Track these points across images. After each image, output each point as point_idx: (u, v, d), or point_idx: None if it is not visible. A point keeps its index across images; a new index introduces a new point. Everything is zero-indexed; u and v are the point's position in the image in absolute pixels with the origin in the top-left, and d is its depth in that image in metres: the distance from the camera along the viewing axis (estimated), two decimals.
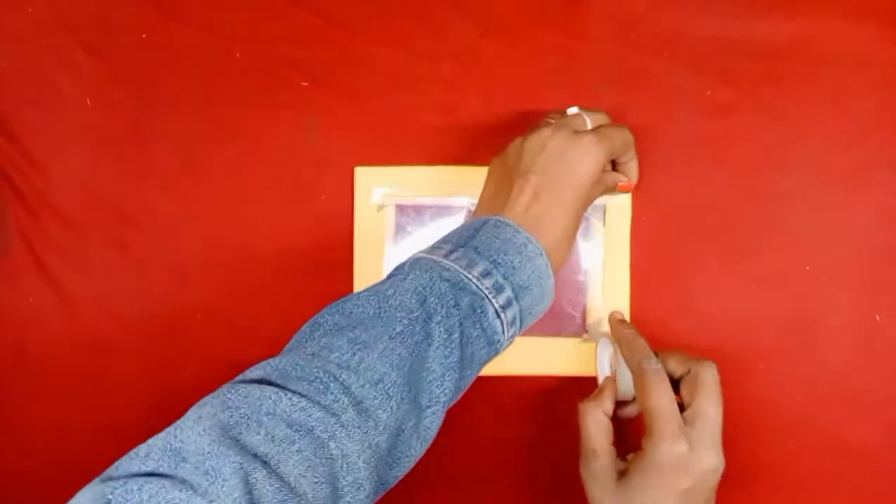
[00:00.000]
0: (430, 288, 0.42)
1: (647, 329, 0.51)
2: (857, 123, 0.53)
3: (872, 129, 0.53)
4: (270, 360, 0.39)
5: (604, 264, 0.54)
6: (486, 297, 0.42)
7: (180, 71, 0.56)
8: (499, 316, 0.43)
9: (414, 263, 0.44)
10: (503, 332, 0.44)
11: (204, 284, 0.56)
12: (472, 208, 0.54)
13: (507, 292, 0.43)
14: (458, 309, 0.42)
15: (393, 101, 0.55)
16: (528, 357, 0.55)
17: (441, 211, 0.55)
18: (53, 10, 0.56)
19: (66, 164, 0.56)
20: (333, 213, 0.56)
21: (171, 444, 0.33)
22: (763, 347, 0.53)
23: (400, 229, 0.55)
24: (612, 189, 0.50)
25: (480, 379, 0.55)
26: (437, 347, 0.41)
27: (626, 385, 0.48)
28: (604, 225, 0.54)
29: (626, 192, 0.52)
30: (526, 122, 0.50)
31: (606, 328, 0.54)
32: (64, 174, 0.56)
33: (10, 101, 0.56)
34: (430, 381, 0.41)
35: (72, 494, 0.57)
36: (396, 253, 0.55)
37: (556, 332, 0.55)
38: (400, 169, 0.55)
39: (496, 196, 0.48)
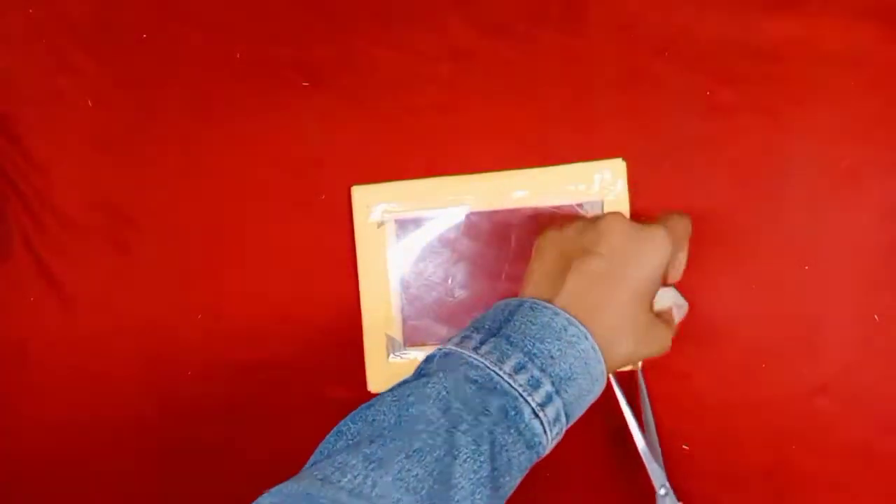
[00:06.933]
0: (455, 392, 0.38)
1: None
2: (857, 123, 0.53)
3: (872, 129, 0.53)
4: (283, 487, 0.35)
5: None
6: (521, 395, 0.38)
7: (180, 71, 0.56)
8: (537, 416, 0.39)
9: (442, 360, 0.40)
10: (545, 432, 0.39)
11: (204, 284, 0.56)
12: (471, 216, 0.54)
13: (546, 387, 0.39)
14: (487, 415, 0.38)
15: (393, 101, 0.55)
16: None
17: (440, 221, 0.55)
18: (54, 10, 0.56)
19: (66, 165, 0.56)
20: (334, 213, 0.56)
21: None
22: (763, 348, 0.53)
23: (400, 241, 0.55)
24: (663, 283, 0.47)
25: None
26: (465, 461, 0.36)
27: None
28: None
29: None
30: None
31: None
32: (64, 174, 0.56)
33: (10, 102, 0.56)
34: (459, 499, 0.36)
35: (71, 494, 0.57)
36: (399, 263, 0.55)
37: None
38: (397, 184, 0.55)
39: (548, 276, 0.43)
